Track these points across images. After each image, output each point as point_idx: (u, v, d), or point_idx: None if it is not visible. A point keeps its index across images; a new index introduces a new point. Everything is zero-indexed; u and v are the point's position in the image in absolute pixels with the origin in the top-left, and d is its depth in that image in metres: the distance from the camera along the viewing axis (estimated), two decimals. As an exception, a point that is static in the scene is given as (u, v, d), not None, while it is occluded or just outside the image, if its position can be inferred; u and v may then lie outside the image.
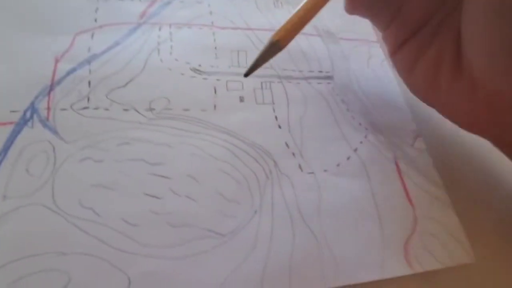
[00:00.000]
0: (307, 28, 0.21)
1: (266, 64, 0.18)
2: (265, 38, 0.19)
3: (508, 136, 0.14)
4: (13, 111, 0.14)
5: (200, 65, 0.18)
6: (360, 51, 0.20)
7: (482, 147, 0.17)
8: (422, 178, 0.16)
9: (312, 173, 0.15)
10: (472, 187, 0.16)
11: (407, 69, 0.16)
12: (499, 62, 0.13)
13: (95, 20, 0.18)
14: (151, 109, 0.15)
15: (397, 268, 0.13)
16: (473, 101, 0.14)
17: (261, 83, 0.18)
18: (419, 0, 0.15)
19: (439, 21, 0.15)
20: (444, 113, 0.16)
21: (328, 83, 0.18)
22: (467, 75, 0.14)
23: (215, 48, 0.18)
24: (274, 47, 0.14)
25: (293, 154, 0.15)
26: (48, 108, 0.14)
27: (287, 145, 0.16)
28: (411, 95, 0.17)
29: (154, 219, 0.13)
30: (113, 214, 0.12)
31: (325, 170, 0.15)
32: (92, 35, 0.17)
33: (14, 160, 0.13)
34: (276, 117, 0.16)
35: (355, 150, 0.16)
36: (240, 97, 0.17)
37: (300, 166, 0.15)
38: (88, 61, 0.16)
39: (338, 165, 0.15)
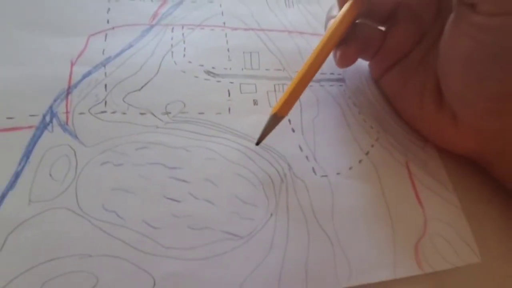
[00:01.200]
0: (318, 29, 0.21)
1: (279, 66, 0.19)
2: (277, 39, 0.20)
3: (493, 160, 0.16)
4: (32, 115, 0.14)
5: (213, 68, 0.18)
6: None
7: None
8: (432, 181, 0.16)
9: (326, 176, 0.15)
10: (479, 189, 0.17)
11: (393, 94, 0.18)
12: (475, 108, 0.14)
13: (107, 21, 0.18)
14: (167, 113, 0.16)
15: (408, 269, 0.13)
16: (456, 130, 0.15)
17: (274, 85, 0.18)
18: (398, 38, 0.16)
19: (420, 56, 0.16)
20: (429, 138, 0.17)
21: (340, 85, 0.19)
22: (448, 107, 0.15)
23: (228, 49, 0.19)
24: (276, 119, 0.15)
25: (307, 157, 0.16)
26: (67, 112, 0.15)
27: (300, 148, 0.16)
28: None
29: (175, 222, 0.13)
30: (135, 217, 0.13)
31: (338, 173, 0.15)
32: (105, 37, 0.17)
33: (37, 164, 0.13)
34: (289, 121, 0.17)
35: (367, 153, 0.16)
36: (254, 100, 0.17)
37: (313, 169, 0.15)
38: (103, 64, 0.16)
39: (350, 168, 0.16)
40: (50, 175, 0.13)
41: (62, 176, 0.13)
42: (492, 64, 0.12)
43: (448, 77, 0.14)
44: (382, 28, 0.17)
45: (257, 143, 0.15)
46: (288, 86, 0.15)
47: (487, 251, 0.15)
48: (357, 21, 0.17)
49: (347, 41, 0.16)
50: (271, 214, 0.14)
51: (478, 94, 0.13)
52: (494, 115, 0.14)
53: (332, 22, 0.16)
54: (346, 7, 0.16)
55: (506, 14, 0.12)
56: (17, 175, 0.13)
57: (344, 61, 0.17)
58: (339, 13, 0.16)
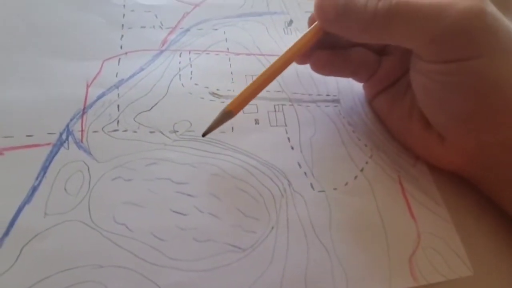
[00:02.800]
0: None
1: (278, 88, 0.20)
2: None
3: (479, 175, 0.17)
4: (50, 133, 0.15)
5: (218, 89, 0.19)
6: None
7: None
8: (424, 196, 0.17)
9: (323, 191, 0.16)
10: (468, 203, 0.18)
11: (384, 115, 0.19)
12: (450, 129, 0.16)
13: (121, 47, 0.19)
14: (174, 131, 0.17)
15: (403, 281, 0.14)
16: (443, 149, 0.16)
17: (274, 106, 0.19)
18: (390, 67, 0.18)
19: (407, 82, 0.18)
20: (420, 155, 0.18)
21: (335, 106, 0.20)
22: (434, 128, 0.16)
23: (231, 73, 0.20)
24: (227, 115, 0.16)
25: (305, 173, 0.17)
26: (82, 130, 0.16)
27: (299, 165, 0.17)
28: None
29: (181, 234, 0.14)
30: (144, 229, 0.14)
31: (334, 189, 0.16)
32: (119, 61, 0.19)
33: (53, 179, 0.14)
34: (288, 139, 0.18)
35: (362, 170, 0.17)
36: (255, 119, 0.18)
37: (311, 185, 0.16)
38: (117, 86, 0.18)
39: (346, 184, 0.17)
40: (65, 189, 0.14)
41: (76, 190, 0.14)
42: (446, 93, 0.15)
43: (422, 106, 0.16)
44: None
45: (203, 135, 0.16)
46: (246, 87, 0.16)
47: (478, 264, 0.15)
48: (354, 47, 0.18)
49: (322, 48, 0.18)
50: (272, 227, 0.15)
51: (448, 117, 0.15)
52: (471, 134, 0.15)
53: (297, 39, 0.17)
54: (311, 27, 0.17)
55: (444, 62, 0.14)
56: (34, 189, 0.14)
57: (317, 65, 0.18)
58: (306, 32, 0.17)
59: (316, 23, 0.17)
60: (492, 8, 0.14)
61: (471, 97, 0.14)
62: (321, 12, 0.16)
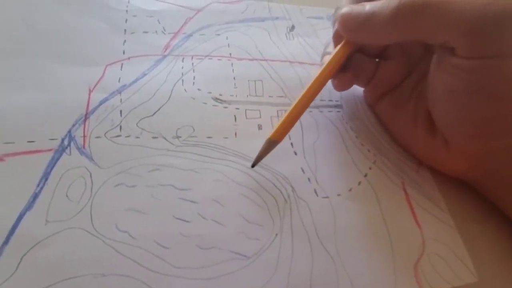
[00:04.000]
0: (317, 59, 0.22)
1: (281, 93, 0.20)
2: (279, 69, 0.21)
3: (484, 181, 0.17)
4: (52, 139, 0.15)
5: (221, 95, 0.19)
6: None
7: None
8: (428, 202, 0.17)
9: (327, 197, 0.16)
10: (472, 209, 0.18)
11: (387, 121, 0.19)
12: (462, 134, 0.15)
13: (123, 52, 0.19)
14: (177, 137, 0.17)
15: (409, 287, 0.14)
16: (448, 154, 0.16)
17: (277, 111, 0.19)
18: (388, 71, 0.18)
19: (410, 87, 0.18)
20: (423, 161, 0.18)
21: (338, 111, 0.20)
22: (440, 133, 0.16)
23: (234, 78, 0.20)
24: (271, 143, 0.16)
25: (309, 179, 0.17)
26: (84, 136, 0.16)
27: (302, 170, 0.17)
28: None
29: (184, 241, 0.14)
30: (147, 237, 0.13)
31: (338, 195, 0.16)
32: (121, 66, 0.19)
33: (55, 185, 0.14)
34: (292, 144, 0.18)
35: (365, 175, 0.17)
36: (258, 125, 0.18)
37: (315, 191, 0.16)
38: (119, 91, 0.18)
39: (350, 190, 0.17)
40: (67, 196, 0.14)
41: (78, 197, 0.14)
42: (470, 96, 0.14)
43: (436, 108, 0.16)
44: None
45: (253, 165, 0.16)
46: (285, 113, 0.16)
47: (482, 269, 0.15)
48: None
49: (344, 70, 0.18)
50: (276, 234, 0.15)
51: (462, 122, 0.15)
52: (479, 140, 0.15)
53: (327, 59, 0.17)
54: (339, 46, 0.17)
55: (481, 57, 0.13)
56: (35, 196, 0.14)
57: (341, 87, 0.19)
58: (334, 51, 0.17)
59: (344, 40, 0.17)
60: None
61: (493, 101, 0.14)
62: (345, 24, 0.16)
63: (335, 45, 0.18)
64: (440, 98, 0.15)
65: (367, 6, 0.15)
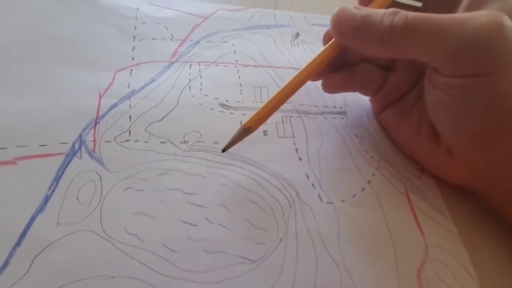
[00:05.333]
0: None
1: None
2: (284, 75, 0.22)
3: (487, 191, 0.17)
4: (63, 143, 0.16)
5: (227, 101, 0.19)
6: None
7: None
8: (431, 209, 0.17)
9: (331, 203, 0.16)
10: (474, 217, 0.18)
11: (391, 129, 0.20)
12: (462, 144, 0.16)
13: (133, 58, 0.20)
14: (185, 142, 0.17)
15: (411, 294, 0.14)
16: (452, 163, 0.16)
17: (282, 117, 0.19)
18: (396, 82, 0.19)
19: (414, 98, 0.18)
20: (427, 169, 0.18)
21: (342, 118, 0.20)
22: (443, 142, 0.16)
23: (240, 84, 0.20)
24: (246, 131, 0.16)
25: (313, 185, 0.17)
26: (94, 140, 0.16)
27: (307, 176, 0.17)
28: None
29: (191, 245, 0.14)
30: (155, 240, 0.14)
31: (342, 201, 0.17)
32: (131, 72, 0.19)
33: (66, 189, 0.14)
34: (296, 150, 0.18)
35: (369, 182, 0.18)
36: (264, 130, 0.19)
37: (319, 196, 0.17)
38: (128, 96, 0.18)
39: (354, 196, 0.17)
40: (77, 199, 0.14)
41: (88, 200, 0.14)
42: (464, 110, 0.15)
43: (435, 120, 0.16)
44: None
45: (223, 150, 0.16)
46: (265, 104, 0.17)
47: (484, 277, 0.15)
48: (361, 63, 0.19)
49: (334, 70, 0.18)
50: (281, 239, 0.15)
51: (460, 133, 0.15)
52: (481, 150, 0.15)
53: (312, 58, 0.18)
54: (328, 45, 0.17)
55: (464, 76, 0.14)
56: (47, 198, 0.14)
57: (330, 88, 0.19)
58: (321, 50, 0.17)
59: (333, 40, 0.17)
60: (510, 22, 0.14)
61: (488, 113, 0.14)
62: (338, 26, 0.16)
63: (324, 43, 0.18)
64: (436, 112, 0.16)
65: (363, 11, 0.15)
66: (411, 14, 0.14)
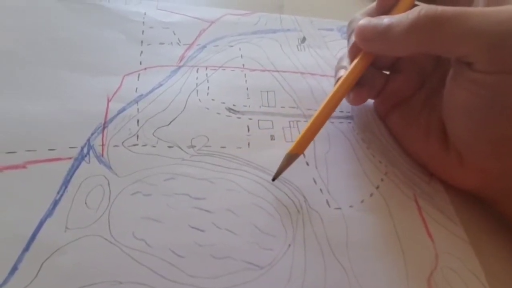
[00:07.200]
0: (328, 71, 0.23)
1: (293, 104, 0.21)
2: (290, 80, 0.22)
3: (498, 198, 0.16)
4: (72, 147, 0.16)
5: (234, 105, 0.19)
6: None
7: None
8: (440, 215, 0.17)
9: (339, 208, 0.16)
10: (484, 223, 0.18)
11: (399, 133, 0.19)
12: (477, 151, 0.15)
13: (140, 63, 0.20)
14: (192, 146, 0.17)
15: (422, 302, 0.14)
16: (462, 170, 0.16)
17: (289, 122, 0.19)
18: (398, 83, 0.18)
19: (422, 100, 0.18)
20: (435, 174, 0.18)
21: (349, 122, 0.20)
22: (454, 148, 0.16)
23: (247, 88, 0.20)
24: (292, 157, 0.16)
25: (321, 190, 0.17)
26: (103, 145, 0.16)
27: (314, 181, 0.17)
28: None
29: (199, 251, 0.14)
30: (162, 245, 0.14)
31: (350, 206, 0.16)
32: (138, 77, 0.19)
33: (74, 193, 0.14)
34: (304, 155, 0.18)
35: (377, 187, 0.17)
36: (271, 135, 0.19)
37: (327, 202, 0.16)
38: (136, 101, 0.18)
39: (362, 201, 0.17)
40: (86, 203, 0.14)
41: (97, 204, 0.14)
42: (488, 113, 0.14)
43: (452, 124, 0.16)
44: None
45: (273, 179, 0.16)
46: (304, 127, 0.17)
47: (495, 284, 0.15)
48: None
49: (360, 84, 0.18)
50: (289, 245, 0.15)
51: (478, 138, 0.15)
52: (494, 157, 0.15)
53: (342, 73, 0.18)
54: (357, 59, 0.17)
55: (500, 72, 0.13)
56: (55, 203, 0.14)
57: (357, 101, 0.19)
58: (351, 65, 0.17)
59: (361, 53, 0.17)
60: None
61: None
62: (362, 33, 0.16)
63: (351, 59, 0.18)
64: (456, 114, 0.15)
65: (386, 19, 0.15)
66: (441, 6, 0.14)
